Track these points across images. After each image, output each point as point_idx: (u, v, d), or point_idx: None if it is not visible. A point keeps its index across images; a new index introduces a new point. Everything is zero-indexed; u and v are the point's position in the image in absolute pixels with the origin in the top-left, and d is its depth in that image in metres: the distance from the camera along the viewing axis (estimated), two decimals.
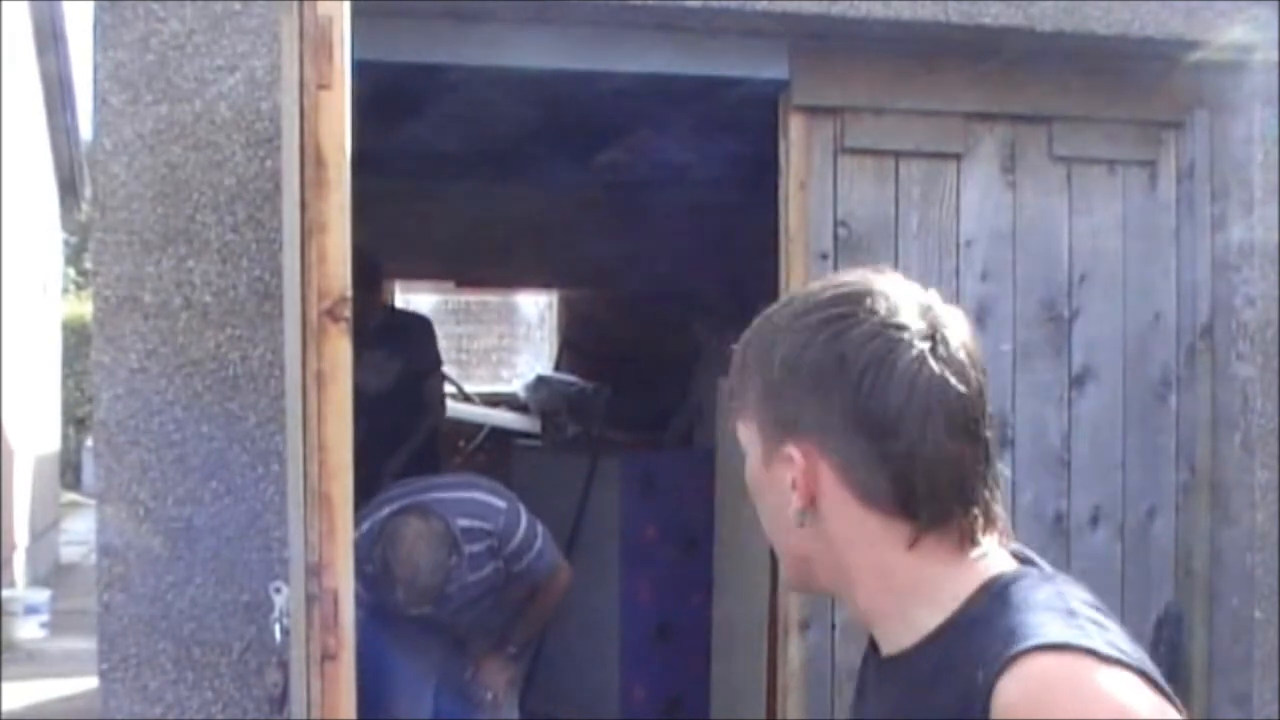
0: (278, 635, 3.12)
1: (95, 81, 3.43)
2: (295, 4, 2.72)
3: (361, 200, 2.79)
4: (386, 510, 4.08)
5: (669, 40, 3.78)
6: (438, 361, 6.03)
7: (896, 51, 3.89)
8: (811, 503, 1.30)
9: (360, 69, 2.89)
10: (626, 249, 6.98)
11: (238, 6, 3.43)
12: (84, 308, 15.49)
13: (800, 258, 3.87)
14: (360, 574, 3.31)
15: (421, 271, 8.64)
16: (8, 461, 10.81)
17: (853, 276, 1.34)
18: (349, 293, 2.76)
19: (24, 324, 11.87)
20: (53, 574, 12.20)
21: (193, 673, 3.44)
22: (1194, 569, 4.05)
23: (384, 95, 4.03)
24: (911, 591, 1.29)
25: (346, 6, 2.75)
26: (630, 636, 5.86)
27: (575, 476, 6.15)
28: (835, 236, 3.89)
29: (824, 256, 3.88)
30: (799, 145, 3.88)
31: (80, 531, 13.25)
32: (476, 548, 4.15)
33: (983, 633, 1.23)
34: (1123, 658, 1.18)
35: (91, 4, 3.53)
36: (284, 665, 3.16)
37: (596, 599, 5.71)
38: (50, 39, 12.93)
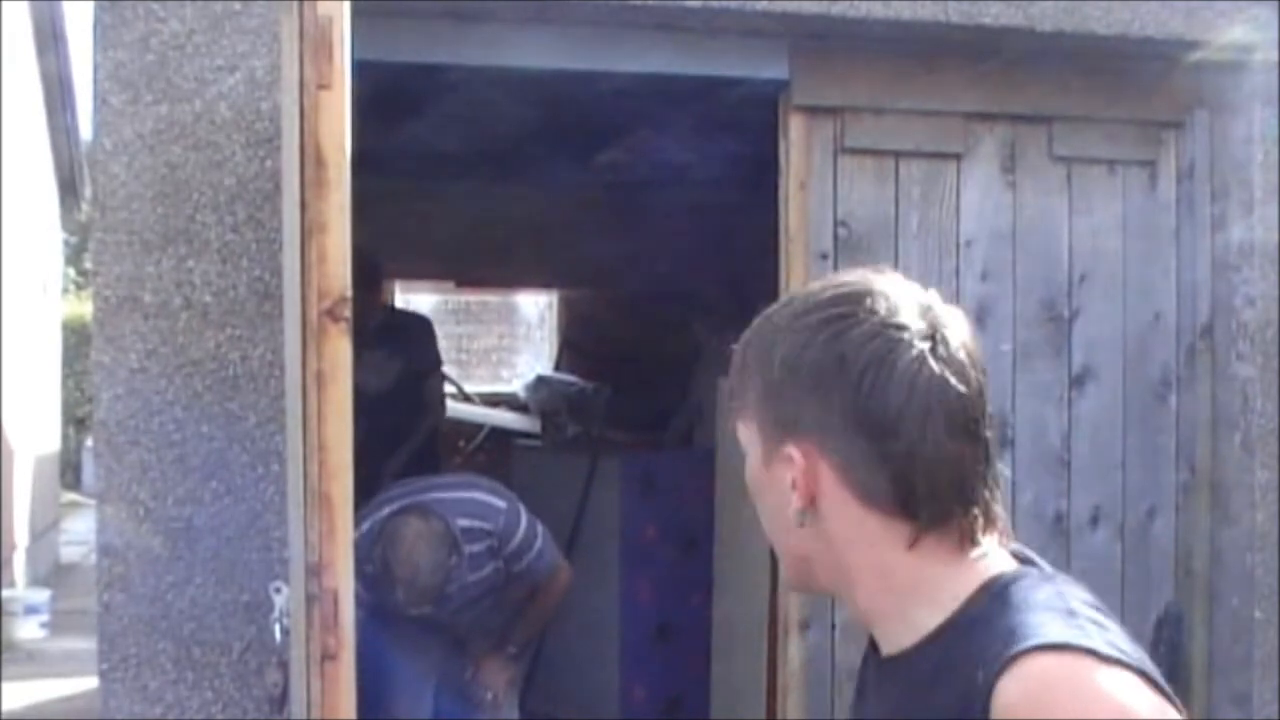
0: (278, 635, 3.12)
1: (95, 81, 3.43)
2: (295, 4, 2.72)
3: (361, 200, 2.79)
4: (386, 510, 4.08)
5: (669, 40, 3.78)
6: (438, 361, 6.03)
7: (896, 51, 3.89)
8: (811, 503, 1.30)
9: (360, 69, 2.89)
10: (626, 249, 6.98)
11: (238, 6, 3.43)
12: (84, 308, 15.49)
13: (800, 258, 3.87)
14: (360, 574, 3.31)
15: (421, 271, 8.64)
16: (8, 461, 10.81)
17: (853, 276, 1.34)
18: (349, 293, 2.76)
19: (24, 324, 11.87)
20: (53, 574, 12.20)
21: (193, 673, 3.44)
22: (1194, 569, 4.05)
23: (384, 95, 4.03)
24: (911, 591, 1.29)
25: (346, 6, 2.75)
26: (630, 636, 5.86)
27: (575, 476, 6.15)
28: (835, 236, 3.89)
29: (824, 256, 3.88)
30: (799, 145, 3.88)
31: (80, 531, 13.25)
32: (476, 548, 4.15)
33: (983, 633, 1.23)
34: (1123, 658, 1.18)
35: (91, 4, 3.53)
36: (284, 665, 3.16)
37: (596, 599, 5.71)
38: (50, 39, 12.93)
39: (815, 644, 3.86)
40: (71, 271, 19.49)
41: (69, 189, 14.91)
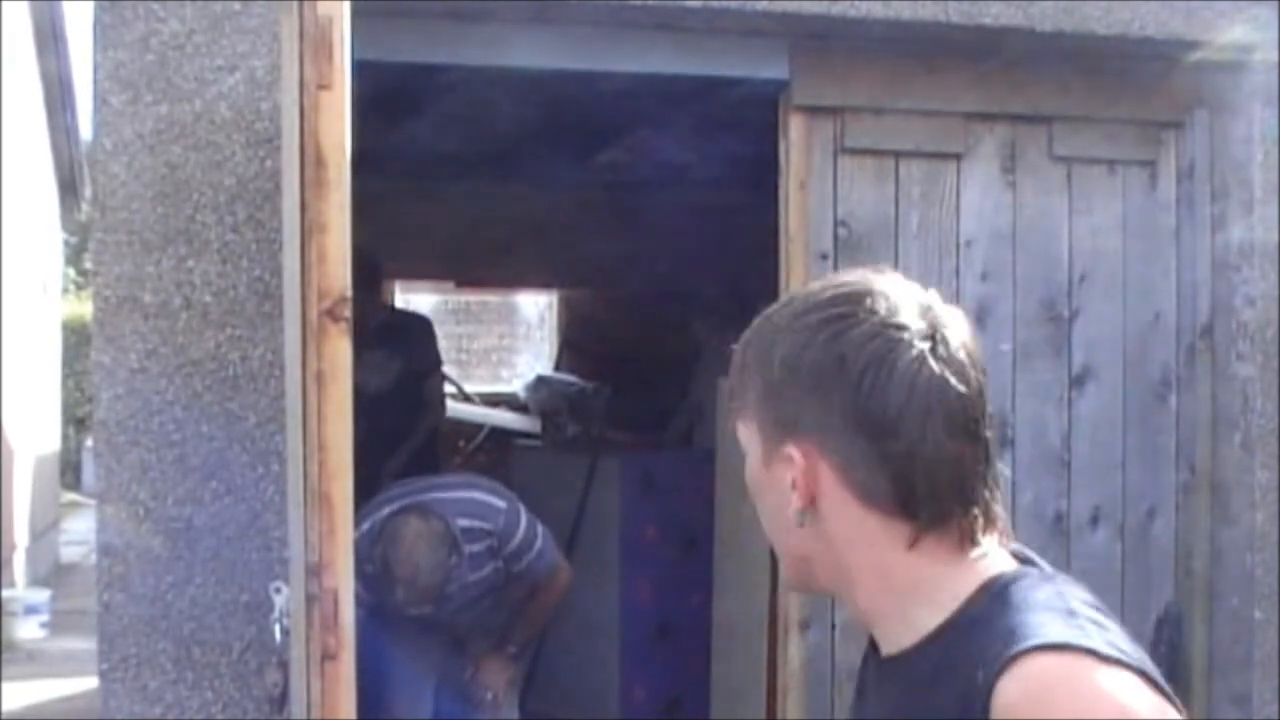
0: (278, 635, 3.12)
1: (95, 81, 3.43)
2: (295, 4, 2.72)
3: (361, 200, 2.79)
4: (386, 510, 4.08)
5: (669, 40, 3.78)
6: (438, 361, 6.03)
7: (896, 51, 3.89)
8: (811, 503, 1.30)
9: (360, 69, 2.89)
10: (626, 249, 6.99)
11: (238, 6, 3.43)
12: (84, 308, 15.49)
13: (800, 258, 3.87)
14: (360, 574, 3.31)
15: (421, 271, 8.64)
16: (8, 461, 10.81)
17: (853, 276, 1.34)
18: (349, 293, 2.76)
19: (24, 324, 11.87)
20: (53, 574, 12.20)
21: (193, 673, 3.44)
22: (1194, 569, 4.05)
23: (384, 95, 4.04)
24: (911, 591, 1.29)
25: (346, 6, 2.75)
26: (630, 636, 5.86)
27: (575, 476, 6.15)
28: (835, 236, 3.89)
29: (824, 256, 3.88)
30: (799, 145, 3.88)
31: (80, 531, 13.25)
32: (476, 547, 4.15)
33: (983, 633, 1.23)
34: (1123, 657, 1.18)
35: (91, 4, 3.53)
36: (284, 665, 3.16)
37: (596, 599, 5.71)
38: (50, 39, 12.93)
39: (815, 644, 3.86)
40: (71, 271, 19.49)
41: (69, 189, 14.91)
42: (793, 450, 1.30)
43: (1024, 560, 1.33)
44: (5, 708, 7.46)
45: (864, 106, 3.90)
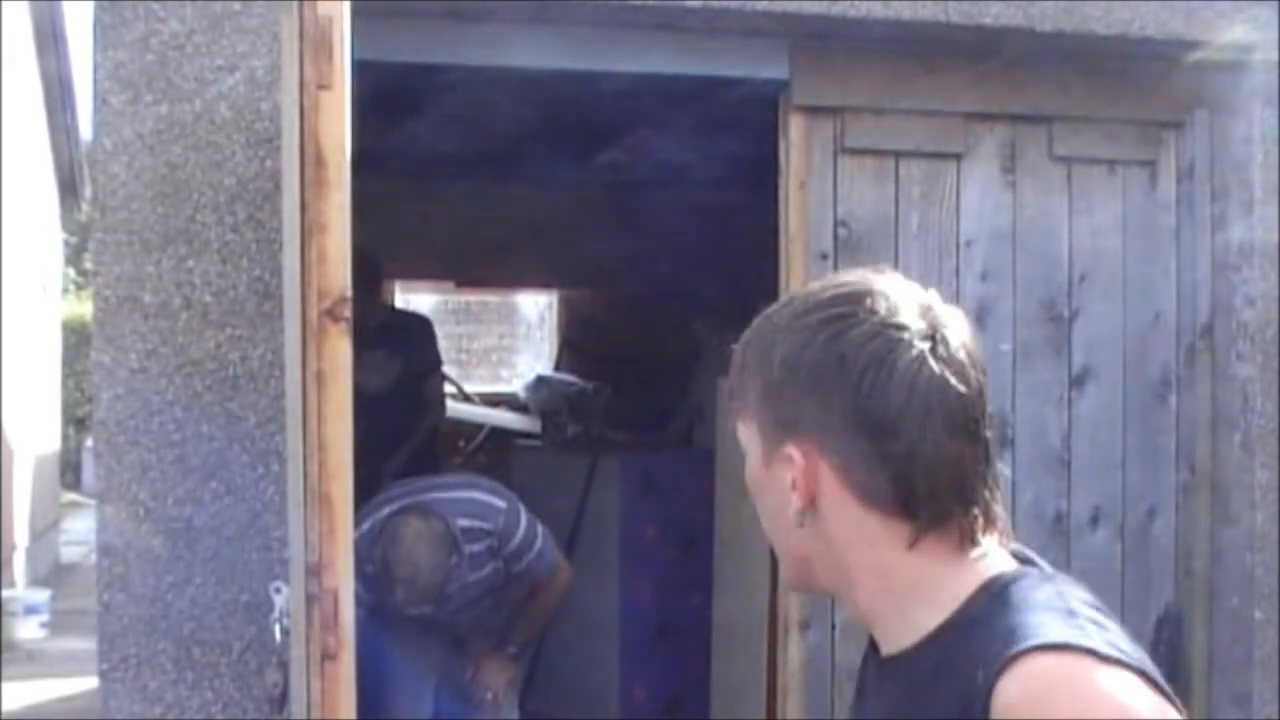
0: (278, 635, 3.12)
1: (95, 81, 3.43)
2: (295, 4, 2.72)
3: (361, 200, 2.79)
4: (387, 510, 4.08)
5: (669, 40, 3.78)
6: (438, 361, 6.03)
7: (896, 51, 3.89)
8: (811, 503, 1.30)
9: (360, 69, 2.89)
10: (626, 249, 6.99)
11: (238, 6, 3.43)
12: (84, 308, 15.49)
13: (800, 258, 3.87)
14: (360, 573, 3.31)
15: (421, 271, 8.64)
16: (8, 461, 10.81)
17: (853, 276, 1.34)
18: (349, 293, 2.76)
19: (24, 324, 11.87)
20: (53, 574, 12.20)
21: (193, 673, 3.44)
22: (1194, 569, 4.05)
23: (384, 95, 4.04)
24: (911, 591, 1.29)
25: (346, 6, 2.75)
26: (630, 636, 5.85)
27: (575, 476, 6.15)
28: (835, 236, 3.89)
29: (824, 256, 3.88)
30: (799, 145, 3.88)
31: (80, 531, 13.25)
32: (476, 547, 4.15)
33: (983, 633, 1.23)
34: (1123, 657, 1.18)
35: (91, 4, 3.53)
36: (284, 665, 3.16)
37: (596, 599, 5.71)
38: (50, 39, 12.93)
39: (815, 644, 3.86)
40: (71, 271, 19.49)
41: (69, 189, 14.91)
42: (793, 450, 1.29)
43: (1024, 560, 1.33)
44: (5, 708, 7.46)
45: (864, 106, 3.90)
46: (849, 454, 1.27)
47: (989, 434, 1.30)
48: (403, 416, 5.52)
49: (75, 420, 16.39)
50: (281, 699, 3.32)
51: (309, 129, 2.71)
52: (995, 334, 3.92)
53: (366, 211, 2.98)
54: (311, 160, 2.71)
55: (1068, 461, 4.02)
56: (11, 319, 10.94)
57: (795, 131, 3.87)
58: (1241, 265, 4.06)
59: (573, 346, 8.88)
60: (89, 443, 13.92)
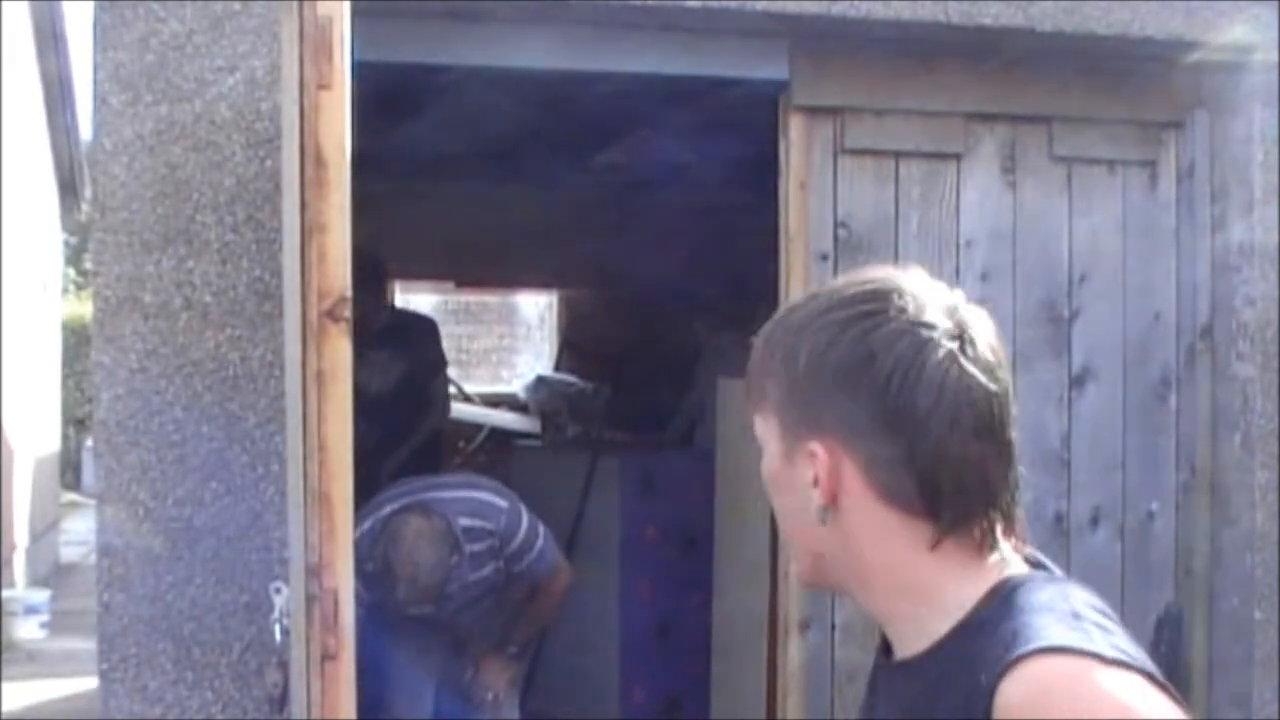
0: (278, 635, 3.12)
1: (95, 81, 3.43)
2: (295, 4, 2.72)
3: (361, 200, 2.79)
4: (388, 509, 4.08)
5: (669, 40, 3.78)
6: (441, 362, 6.02)
7: (896, 51, 3.88)
8: (833, 500, 1.29)
9: (360, 69, 2.89)
10: (626, 249, 6.98)
11: (238, 6, 3.43)
12: (84, 308, 15.49)
13: (800, 258, 3.87)
14: (361, 572, 3.32)
15: (421, 271, 8.64)
16: (8, 461, 10.81)
17: (878, 274, 1.32)
18: (349, 293, 2.76)
19: (24, 324, 11.87)
20: (53, 574, 12.20)
21: (193, 673, 3.44)
22: (1194, 569, 4.05)
23: (384, 95, 4.03)
24: (926, 596, 1.28)
25: (346, 6, 2.75)
26: (630, 636, 5.85)
27: (575, 476, 6.15)
28: (835, 236, 3.89)
29: (824, 257, 3.88)
30: (799, 145, 3.87)
31: (80, 531, 13.25)
32: (477, 547, 4.15)
33: (987, 636, 1.22)
34: (1126, 659, 1.18)
35: (91, 4, 3.53)
36: (284, 665, 3.16)
37: (596, 599, 5.71)
38: (50, 39, 12.93)
39: (815, 644, 3.86)
40: (71, 271, 19.49)
41: (69, 189, 14.91)
42: (816, 447, 1.28)
43: (1036, 565, 1.32)
44: (5, 708, 7.46)
45: (864, 106, 3.90)
46: (874, 452, 1.26)
47: (1013, 435, 1.29)
48: (405, 417, 5.51)
49: (75, 420, 16.39)
50: (281, 699, 3.32)
51: (309, 129, 2.72)
52: None
53: (366, 211, 2.98)
54: (311, 160, 2.72)
55: (1068, 461, 4.02)
56: (11, 319, 10.94)
57: (795, 131, 3.87)
58: (1241, 265, 4.06)
59: (573, 346, 8.88)
60: (89, 443, 13.91)
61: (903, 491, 1.26)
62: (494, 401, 8.95)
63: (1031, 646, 1.17)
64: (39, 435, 12.90)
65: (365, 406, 3.44)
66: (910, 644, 1.30)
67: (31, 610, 9.70)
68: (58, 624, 9.69)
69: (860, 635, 3.71)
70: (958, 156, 3.96)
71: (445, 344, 6.24)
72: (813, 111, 3.88)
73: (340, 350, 2.75)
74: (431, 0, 3.56)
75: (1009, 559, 1.30)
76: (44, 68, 13.13)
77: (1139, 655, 1.20)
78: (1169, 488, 4.08)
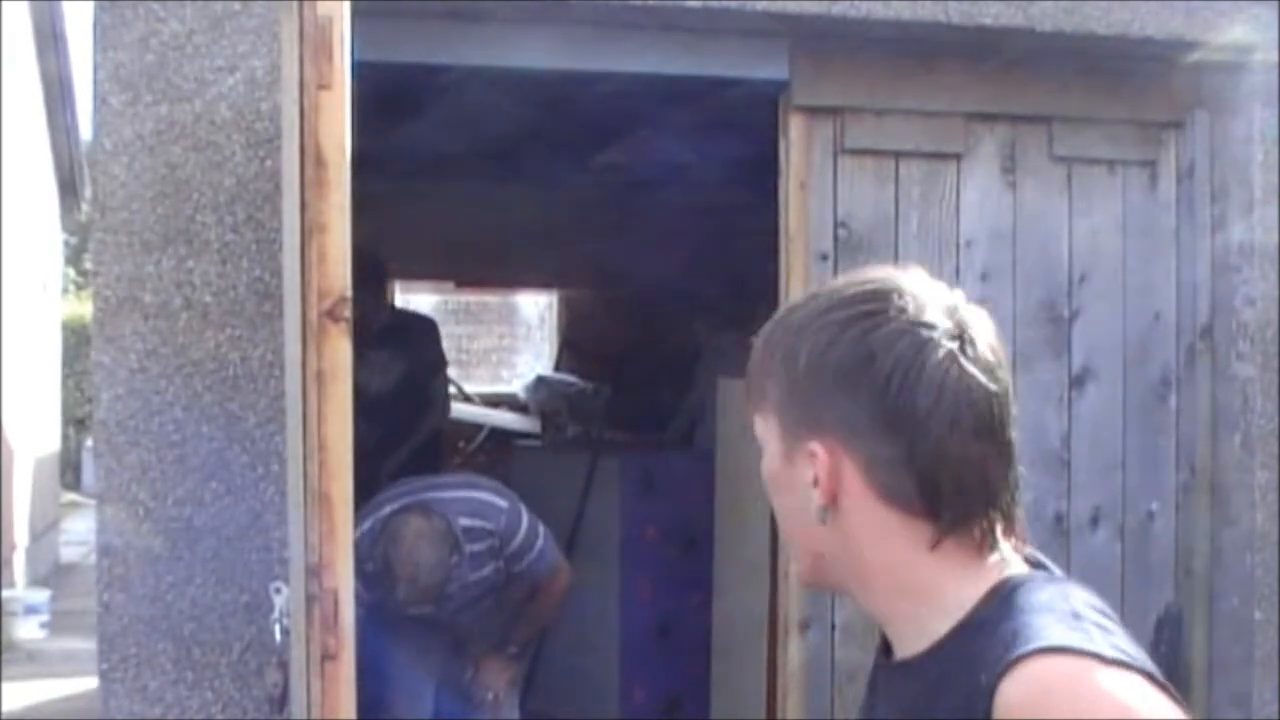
0: (278, 635, 3.12)
1: (95, 81, 3.43)
2: (295, 4, 2.72)
3: (361, 200, 2.79)
4: (388, 509, 4.08)
5: (669, 40, 3.78)
6: (441, 362, 6.02)
7: (896, 51, 3.88)
8: (833, 500, 1.29)
9: (360, 69, 2.89)
10: (626, 249, 6.98)
11: (238, 6, 3.43)
12: (84, 308, 15.49)
13: (800, 258, 3.87)
14: (361, 572, 3.32)
15: (421, 271, 8.64)
16: (8, 461, 10.81)
17: (878, 274, 1.32)
18: (349, 293, 2.76)
19: (24, 324, 11.87)
20: (53, 574, 12.20)
21: (193, 673, 3.44)
22: (1194, 569, 4.05)
23: (384, 95, 4.03)
24: (926, 596, 1.28)
25: (346, 6, 2.75)
26: (630, 636, 5.85)
27: (575, 476, 6.15)
28: (835, 236, 3.89)
29: (824, 257, 3.88)
30: (799, 145, 3.87)
31: (80, 531, 13.25)
32: (477, 547, 4.15)
33: (987, 636, 1.22)
34: (1126, 659, 1.18)
35: (91, 4, 3.53)
36: (284, 665, 3.16)
37: (596, 599, 5.71)
38: (50, 39, 12.93)
39: (815, 644, 3.86)
40: (71, 271, 19.49)
41: (69, 189, 14.91)
42: (816, 447, 1.28)
43: (1036, 565, 1.32)
44: (5, 708, 7.46)
45: (864, 106, 3.90)
46: (874, 452, 1.26)
47: (1013, 436, 1.29)
48: (405, 417, 5.51)
49: (75, 420, 16.39)
50: (281, 699, 3.32)
51: (309, 129, 2.72)
52: None
53: (366, 211, 2.98)
54: (311, 160, 2.72)
55: (1068, 461, 4.02)
56: (11, 319, 10.94)
57: (795, 131, 3.87)
58: (1241, 265, 4.06)
59: (573, 346, 8.88)
60: (89, 443, 13.91)
61: (903, 491, 1.26)
62: (494, 401, 8.95)
63: (1031, 646, 1.17)
64: (39, 435, 12.90)
65: (365, 406, 3.43)
66: (910, 644, 1.30)
67: (31, 610, 9.70)
68: (58, 624, 9.69)
69: (860, 635, 3.71)
70: (958, 156, 3.97)
71: (445, 344, 6.24)
72: (813, 111, 3.88)
73: (340, 350, 2.75)
74: (431, 0, 3.56)
75: (1009, 559, 1.30)
76: (44, 68, 13.13)
77: (1139, 655, 1.20)
78: (1169, 488, 4.09)
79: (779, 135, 3.91)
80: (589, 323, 8.83)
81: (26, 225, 12.25)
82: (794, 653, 3.87)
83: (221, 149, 3.44)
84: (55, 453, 14.46)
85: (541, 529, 4.32)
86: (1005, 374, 1.29)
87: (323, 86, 2.71)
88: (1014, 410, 1.30)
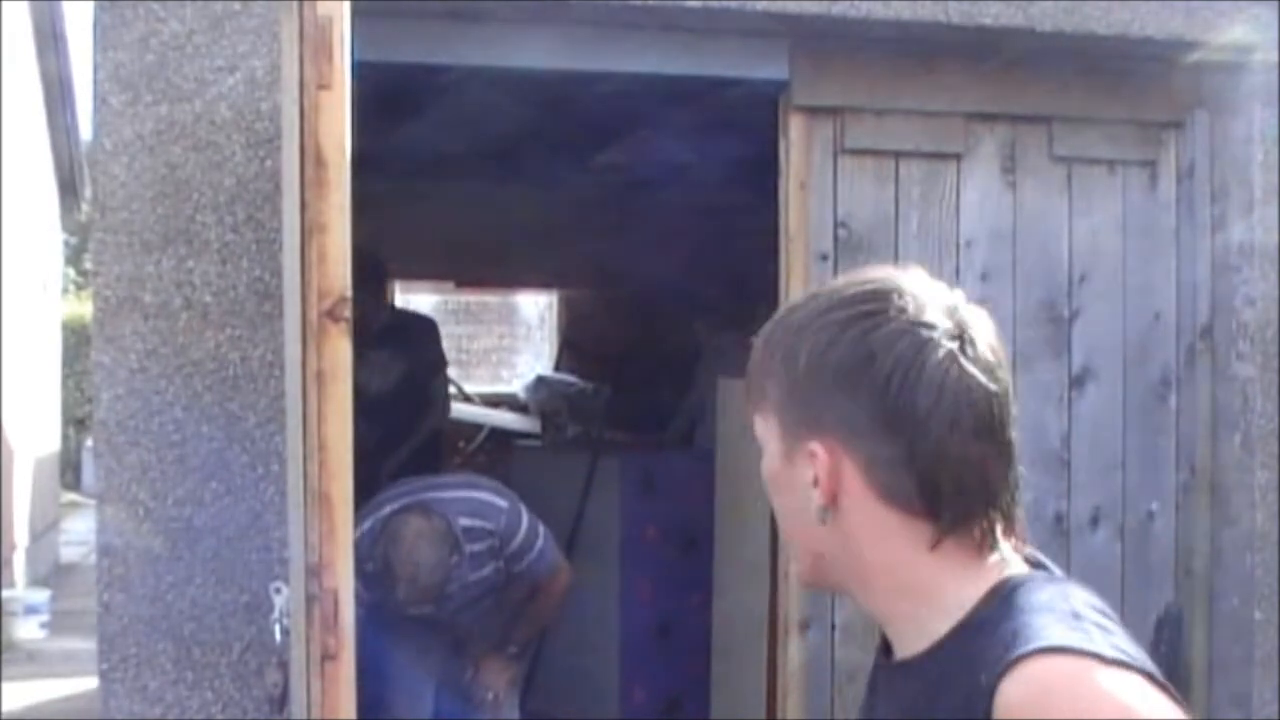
0: (278, 635, 3.12)
1: (95, 81, 3.43)
2: (295, 4, 2.72)
3: (361, 200, 2.79)
4: (388, 509, 4.08)
5: (669, 40, 3.78)
6: (441, 362, 6.02)
7: (896, 51, 3.88)
8: (833, 500, 1.29)
9: (360, 69, 2.89)
10: (626, 249, 6.98)
11: (238, 6, 3.43)
12: (84, 308, 15.49)
13: (800, 258, 3.87)
14: (361, 572, 3.32)
15: (421, 271, 8.64)
16: (8, 461, 10.81)
17: (878, 274, 1.32)
18: (349, 293, 2.76)
19: (24, 324, 11.87)
20: (53, 574, 12.20)
21: (193, 673, 3.44)
22: (1194, 569, 4.05)
23: (384, 95, 4.03)
24: (926, 596, 1.28)
25: (346, 6, 2.75)
26: (630, 636, 5.85)
27: (575, 476, 6.15)
28: (835, 237, 3.89)
29: (824, 257, 3.88)
30: (799, 145, 3.87)
31: (80, 531, 13.25)
32: (477, 547, 4.15)
33: (987, 636, 1.22)
34: (1126, 659, 1.18)
35: (91, 4, 3.53)
36: (284, 665, 3.16)
37: (596, 599, 5.71)
38: (50, 39, 12.93)
39: (815, 644, 3.86)
40: (71, 271, 19.49)
41: (69, 189, 14.91)
42: (816, 447, 1.28)
43: (1036, 565, 1.32)
44: (5, 708, 7.46)
45: (864, 106, 3.90)
46: (874, 453, 1.26)
47: (1013, 436, 1.29)
48: (405, 417, 5.52)
49: (75, 420, 16.39)
50: (281, 699, 3.32)
51: (309, 129, 2.72)
52: None
53: (366, 211, 2.98)
54: (311, 160, 2.72)
55: (1068, 461, 4.02)
56: (11, 319, 10.94)
57: (795, 131, 3.87)
58: (1241, 265, 4.06)
59: (573, 346, 8.88)
60: (89, 443, 13.91)
61: (903, 491, 1.26)
62: (494, 401, 8.95)
63: (1031, 646, 1.17)
64: (39, 435, 12.90)
65: (365, 406, 3.44)
66: (910, 644, 1.30)
67: (31, 610, 9.70)
68: (58, 624, 9.69)
69: (860, 635, 3.71)
70: (958, 156, 3.97)
71: (445, 344, 6.24)
72: (813, 111, 3.88)
73: (340, 350, 2.75)
74: (431, 0, 3.56)
75: (1009, 559, 1.30)
76: (44, 68, 13.13)
77: (1139, 655, 1.20)
78: (1169, 488, 4.09)
79: (779, 135, 3.91)
80: (589, 323, 8.83)
81: (26, 225, 12.25)
82: (794, 653, 3.87)
83: (221, 149, 3.44)
84: (55, 453, 14.47)
85: (541, 529, 4.32)
86: (1005, 374, 1.29)
87: (323, 86, 2.71)
88: (1014, 410, 1.30)
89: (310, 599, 2.73)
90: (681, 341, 6.96)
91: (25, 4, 12.12)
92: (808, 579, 1.38)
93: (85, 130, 13.36)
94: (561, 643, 5.88)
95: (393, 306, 7.40)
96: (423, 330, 6.06)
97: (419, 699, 4.40)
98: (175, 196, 3.43)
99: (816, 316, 1.30)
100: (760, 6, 3.65)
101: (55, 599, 10.07)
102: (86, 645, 6.42)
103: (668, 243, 6.80)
